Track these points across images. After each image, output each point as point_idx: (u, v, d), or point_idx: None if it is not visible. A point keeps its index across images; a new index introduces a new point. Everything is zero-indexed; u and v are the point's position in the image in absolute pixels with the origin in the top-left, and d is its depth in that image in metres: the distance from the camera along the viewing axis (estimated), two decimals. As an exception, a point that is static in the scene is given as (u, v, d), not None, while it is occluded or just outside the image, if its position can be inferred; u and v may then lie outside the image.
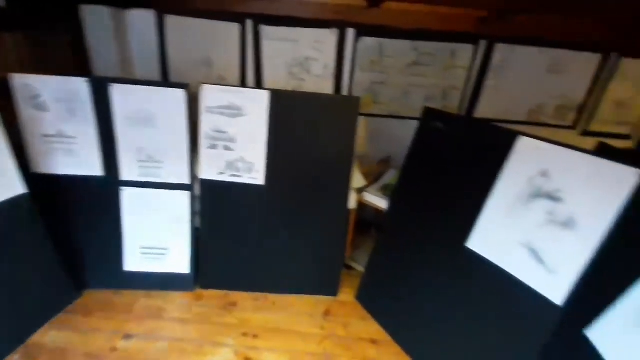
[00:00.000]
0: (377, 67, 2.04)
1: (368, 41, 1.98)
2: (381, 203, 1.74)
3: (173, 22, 1.96)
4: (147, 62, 2.04)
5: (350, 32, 1.97)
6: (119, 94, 1.49)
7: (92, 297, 1.70)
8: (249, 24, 1.97)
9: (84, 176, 1.59)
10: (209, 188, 1.65)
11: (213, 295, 1.77)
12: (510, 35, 1.90)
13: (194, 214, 1.69)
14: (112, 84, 1.48)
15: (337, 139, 1.60)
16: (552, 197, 1.07)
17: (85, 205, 1.64)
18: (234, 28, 1.99)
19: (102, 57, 1.97)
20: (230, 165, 1.62)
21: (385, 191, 1.80)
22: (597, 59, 1.93)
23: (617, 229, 0.94)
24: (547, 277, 1.07)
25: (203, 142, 1.60)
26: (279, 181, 1.64)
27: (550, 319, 1.06)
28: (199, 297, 1.76)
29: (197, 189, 1.67)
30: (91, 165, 1.58)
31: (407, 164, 1.59)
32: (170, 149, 1.59)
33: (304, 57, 2.04)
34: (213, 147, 1.60)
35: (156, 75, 2.07)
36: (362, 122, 2.14)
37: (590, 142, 1.88)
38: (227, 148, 1.60)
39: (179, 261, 1.76)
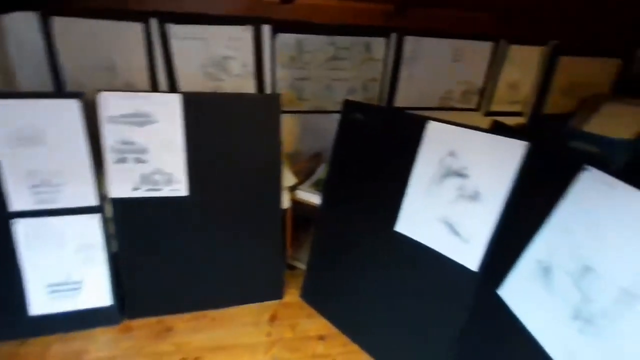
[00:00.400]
0: (298, 63, 2.03)
1: (285, 37, 1.96)
2: (314, 199, 1.74)
3: (62, 24, 1.71)
4: (34, 72, 1.75)
5: (266, 29, 1.92)
6: (-8, 110, 1.26)
7: (-11, 354, 1.42)
8: (153, 23, 1.81)
9: (-41, 213, 1.31)
10: (123, 207, 1.48)
11: (144, 324, 1.61)
12: (416, 28, 2.03)
13: (108, 238, 1.51)
14: (-19, 99, 1.24)
15: (262, 139, 1.55)
16: (460, 174, 1.17)
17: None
18: (136, 28, 1.80)
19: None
20: (145, 178, 1.47)
21: (318, 186, 1.81)
22: (489, 46, 2.16)
23: (513, 195, 1.06)
24: (462, 246, 1.17)
25: (109, 157, 1.43)
26: (205, 189, 1.54)
27: (470, 284, 1.16)
28: (127, 329, 1.58)
29: (109, 210, 1.49)
30: (-35, 198, 1.31)
31: (333, 157, 1.61)
32: (68, 168, 1.39)
33: (220, 56, 1.94)
34: (122, 160, 1.44)
35: (48, 86, 1.80)
36: (288, 119, 2.13)
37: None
38: (138, 160, 1.45)
39: (98, 294, 1.56)
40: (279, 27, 1.92)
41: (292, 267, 1.99)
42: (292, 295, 1.82)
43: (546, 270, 0.91)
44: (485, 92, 2.28)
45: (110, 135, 1.41)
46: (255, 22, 1.89)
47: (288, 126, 2.13)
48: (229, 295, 1.72)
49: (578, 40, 2.20)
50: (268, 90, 2.03)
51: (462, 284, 1.18)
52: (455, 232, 1.19)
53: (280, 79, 2.04)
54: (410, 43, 2.08)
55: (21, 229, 1.41)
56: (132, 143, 1.43)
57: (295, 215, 1.87)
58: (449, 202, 1.20)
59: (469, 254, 1.15)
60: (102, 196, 1.47)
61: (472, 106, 2.32)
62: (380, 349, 1.47)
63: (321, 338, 1.59)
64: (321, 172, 1.95)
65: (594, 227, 0.82)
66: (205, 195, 1.54)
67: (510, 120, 2.39)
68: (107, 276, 1.54)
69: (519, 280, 1.00)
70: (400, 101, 2.22)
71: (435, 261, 1.24)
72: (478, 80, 2.25)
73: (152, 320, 1.63)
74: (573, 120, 2.27)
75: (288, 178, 1.71)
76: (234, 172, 1.56)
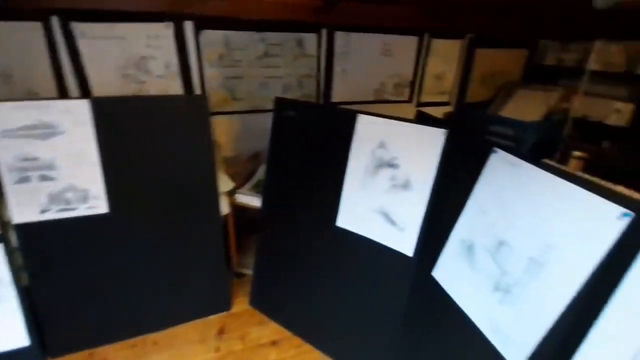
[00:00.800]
0: (227, 61, 1.94)
1: (211, 34, 1.85)
2: (256, 201, 1.68)
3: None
4: None
5: (189, 25, 1.80)
6: None
7: None
8: (55, 21, 1.59)
9: None
10: (30, 233, 1.29)
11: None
12: (345, 23, 2.05)
13: (17, 270, 1.31)
14: None
15: (191, 143, 1.45)
16: (391, 165, 1.20)
17: None
18: (35, 28, 1.58)
19: None
20: (55, 198, 1.29)
21: (258, 188, 1.75)
22: (415, 41, 2.26)
23: (439, 181, 1.11)
24: (399, 234, 1.21)
25: (7, 177, 1.23)
26: (129, 204, 1.40)
27: (408, 269, 1.21)
28: (52, 368, 1.40)
29: (14, 238, 1.29)
30: None
31: (269, 157, 1.57)
32: (-49, 194, 1.17)
33: (139, 56, 1.78)
34: (24, 180, 1.25)
35: None
36: (223, 121, 2.03)
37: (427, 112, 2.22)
38: (44, 178, 1.27)
39: (11, 334, 1.35)
40: (204, 23, 1.81)
41: (240, 275, 1.91)
42: (241, 304, 1.75)
43: (469, 249, 0.97)
44: (415, 84, 2.40)
45: (6, 152, 1.22)
46: (176, 18, 1.76)
47: (223, 128, 2.04)
48: (170, 315, 1.60)
49: (491, 33, 2.40)
50: (197, 91, 1.92)
51: (401, 270, 1.23)
52: (392, 222, 1.22)
53: (210, 79, 1.94)
54: (341, 38, 2.10)
55: None
56: (35, 159, 1.25)
57: (239, 220, 1.79)
58: (384, 193, 1.23)
59: (405, 241, 1.19)
60: (4, 223, 1.26)
61: (405, 98, 2.42)
62: (332, 344, 1.47)
63: (274, 344, 1.55)
64: (261, 173, 1.89)
65: (503, 204, 0.89)
66: (130, 210, 1.40)
67: (439, 110, 2.55)
68: (20, 314, 1.34)
69: (448, 260, 1.06)
70: (336, 96, 2.24)
71: (375, 251, 1.27)
72: (408, 73, 2.36)
73: (84, 354, 1.46)
74: (491, 107, 2.48)
75: (225, 182, 1.63)
76: (163, 181, 1.44)
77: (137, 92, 1.81)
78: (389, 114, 1.24)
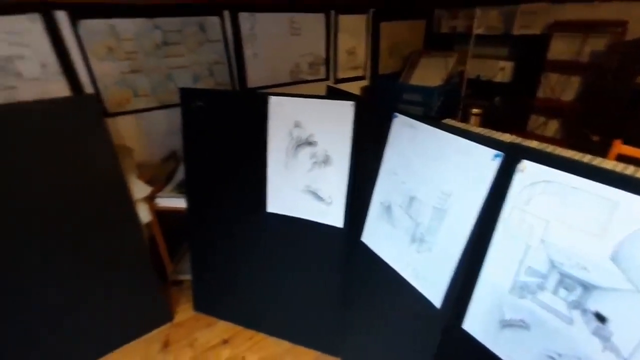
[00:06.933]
0: (119, 54, 1.72)
1: (92, 24, 1.61)
2: (180, 203, 1.57)
3: None
4: None
5: (62, 15, 1.54)
6: None
7: None
8: None
9: None
10: None
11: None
12: (245, 3, 1.96)
13: None
14: None
15: (88, 150, 1.27)
16: (310, 143, 1.21)
17: None
18: None
19: None
20: None
21: (182, 188, 1.63)
22: (322, 17, 2.27)
23: (355, 152, 1.16)
24: (328, 209, 1.24)
25: None
26: (26, 229, 1.19)
27: (339, 240, 1.26)
28: None
29: None
30: None
31: (186, 153, 1.47)
32: None
33: (2, 57, 1.48)
34: None
35: None
36: (128, 121, 1.82)
37: (341, 88, 2.27)
38: None
39: None
40: (80, 11, 1.57)
41: (179, 283, 1.80)
42: (185, 312, 1.66)
43: (387, 209, 1.05)
44: (330, 62, 2.43)
45: None
46: (42, 8, 1.49)
47: (130, 129, 1.84)
48: (105, 339, 1.44)
49: (391, 5, 2.52)
50: (89, 90, 1.68)
51: (334, 242, 1.27)
52: (319, 198, 1.25)
53: (103, 76, 1.71)
54: (246, 19, 2.01)
55: None
56: None
57: (167, 226, 1.66)
58: (307, 172, 1.25)
59: (334, 214, 1.23)
60: None
61: (322, 76, 2.44)
62: (283, 327, 1.49)
63: (225, 342, 1.51)
64: (182, 172, 1.76)
65: (408, 163, 0.97)
66: (32, 236, 1.20)
67: (356, 85, 2.64)
68: None
69: (372, 223, 1.12)
70: (252, 81, 2.16)
71: (308, 229, 1.29)
72: (320, 51, 2.37)
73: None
74: (401, 77, 2.65)
75: (140, 188, 1.48)
76: (65, 196, 1.25)
77: (7, 99, 1.52)
78: (307, 94, 1.24)
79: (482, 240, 0.80)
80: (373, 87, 2.64)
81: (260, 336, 1.52)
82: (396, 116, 1.00)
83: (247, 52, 2.09)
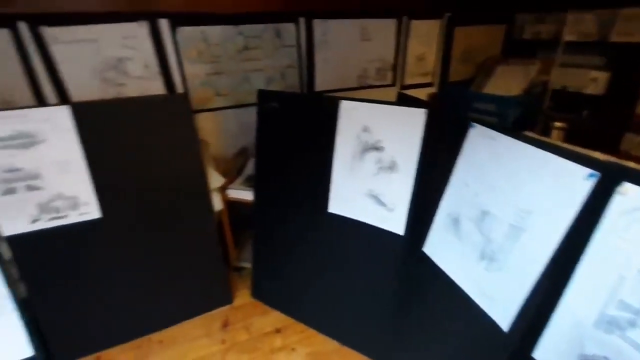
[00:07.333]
0: (207, 57, 1.92)
1: (188, 31, 1.82)
2: (248, 195, 1.70)
3: None
4: None
5: (164, 23, 1.77)
6: None
7: None
8: (23, 27, 1.55)
9: None
10: (23, 244, 1.28)
11: (77, 365, 1.44)
12: (322, 10, 2.04)
13: (13, 282, 1.30)
14: None
15: (177, 142, 1.45)
16: (377, 148, 1.23)
17: None
18: (1, 35, 1.53)
19: None
20: (44, 207, 1.28)
21: (250, 182, 1.76)
22: (394, 23, 2.27)
23: (423, 160, 1.14)
24: (389, 215, 1.24)
25: (-8, 190, 1.21)
26: (121, 207, 1.40)
27: (399, 247, 1.25)
28: (59, 375, 1.41)
29: (6, 250, 1.28)
30: None
31: (258, 150, 1.58)
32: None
33: (115, 58, 1.75)
34: (10, 191, 1.24)
35: None
36: (208, 117, 2.02)
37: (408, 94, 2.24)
38: (31, 188, 1.26)
39: (14, 346, 1.35)
40: (179, 20, 1.78)
41: (240, 269, 1.94)
42: (243, 297, 1.78)
43: (455, 221, 1.01)
44: (397, 68, 2.41)
45: (-13, 165, 1.20)
46: (150, 16, 1.73)
47: (209, 125, 2.03)
48: (172, 313, 1.62)
49: (468, 10, 2.41)
50: (179, 89, 1.90)
51: (393, 249, 1.26)
52: (381, 203, 1.26)
53: (191, 76, 1.92)
54: (319, 26, 2.09)
55: None
56: (18, 169, 1.23)
57: (234, 216, 1.80)
58: (372, 176, 1.26)
59: (395, 220, 1.23)
60: (-6, 236, 1.25)
61: (388, 82, 2.43)
62: (333, 326, 1.52)
63: (278, 331, 1.59)
64: (251, 167, 1.90)
65: (484, 176, 0.93)
66: (122, 213, 1.40)
67: (423, 92, 2.58)
68: (21, 325, 1.34)
69: (437, 234, 1.10)
70: (320, 85, 2.24)
71: (367, 233, 1.31)
72: (389, 56, 2.36)
73: (91, 358, 1.47)
74: (474, 85, 2.52)
75: (216, 179, 1.63)
76: (153, 182, 1.44)
77: (117, 94, 1.79)
78: (378, 99, 1.25)
79: (567, 265, 0.73)
80: (442, 95, 2.55)
81: (311, 331, 1.57)
82: (473, 126, 0.97)
83: (318, 57, 2.17)
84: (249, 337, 1.56)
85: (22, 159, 1.23)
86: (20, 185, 1.24)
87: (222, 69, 1.98)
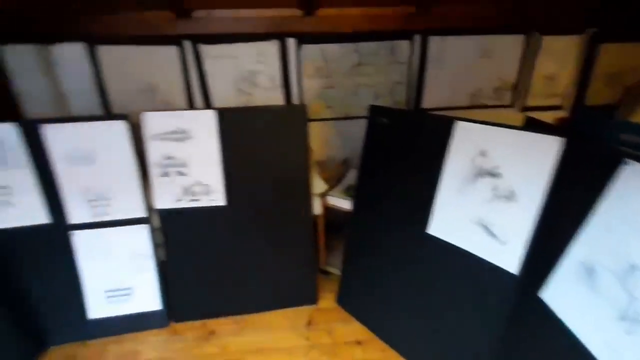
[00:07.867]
0: (323, 72, 2.08)
1: (310, 48, 2.01)
2: (345, 204, 1.76)
3: (106, 52, 1.89)
4: (84, 97, 1.95)
5: (291, 42, 1.99)
6: (53, 134, 1.41)
7: (57, 353, 1.58)
8: (187, 45, 1.94)
9: (28, 226, 1.48)
10: (168, 217, 1.59)
11: (189, 327, 1.70)
12: (439, 27, 2.00)
13: (156, 246, 1.63)
14: (44, 125, 1.39)
15: (291, 148, 1.60)
16: (493, 174, 1.14)
17: (35, 256, 1.52)
18: (172, 51, 1.95)
19: (33, 98, 1.86)
20: (186, 190, 1.57)
21: (348, 192, 1.82)
22: (521, 39, 2.08)
23: (551, 193, 1.02)
24: (500, 248, 1.13)
25: (154, 171, 1.54)
26: (240, 198, 1.61)
27: (509, 287, 1.12)
28: (175, 331, 1.68)
29: (156, 220, 1.61)
30: (34, 214, 1.48)
31: (362, 162, 1.63)
32: (119, 183, 1.52)
33: (249, 71, 2.04)
34: (165, 174, 1.55)
35: (96, 108, 1.98)
36: (317, 127, 2.18)
37: (536, 117, 2.01)
38: (180, 173, 1.55)
39: (148, 298, 1.68)
40: (304, 39, 1.98)
41: (326, 273, 2.01)
42: (327, 301, 1.85)
43: (590, 271, 0.86)
44: (520, 87, 2.19)
45: (154, 152, 1.53)
46: (280, 36, 1.97)
47: (317, 134, 2.18)
48: (265, 300, 1.78)
49: (618, 25, 2.05)
50: (295, 100, 2.10)
51: (501, 287, 1.14)
52: (492, 234, 1.16)
53: (307, 89, 2.10)
54: (435, 43, 2.06)
55: (79, 240, 1.56)
56: (173, 158, 1.54)
57: (327, 221, 1.90)
58: (483, 203, 1.17)
59: (507, 256, 1.11)
60: (149, 208, 1.58)
61: (506, 102, 2.23)
62: (418, 354, 1.44)
63: (359, 343, 1.59)
64: (351, 177, 1.97)
65: (637, 222, 0.77)
66: (241, 204, 1.62)
67: (549, 115, 2.28)
68: (156, 283, 1.66)
69: (562, 281, 0.95)
70: (428, 102, 2.19)
71: (470, 264, 1.21)
72: (510, 75, 2.17)
73: (197, 323, 1.72)
74: (619, 111, 2.11)
75: (318, 185, 1.74)
76: (266, 180, 1.62)
77: (246, 103, 2.08)
78: (486, 120, 1.18)
79: None
80: (575, 120, 2.21)
81: (392, 352, 1.53)
82: (627, 163, 0.82)
83: (430, 73, 2.13)
84: (331, 342, 1.60)
85: (177, 150, 1.54)
86: (173, 170, 1.55)
87: (334, 84, 2.12)
